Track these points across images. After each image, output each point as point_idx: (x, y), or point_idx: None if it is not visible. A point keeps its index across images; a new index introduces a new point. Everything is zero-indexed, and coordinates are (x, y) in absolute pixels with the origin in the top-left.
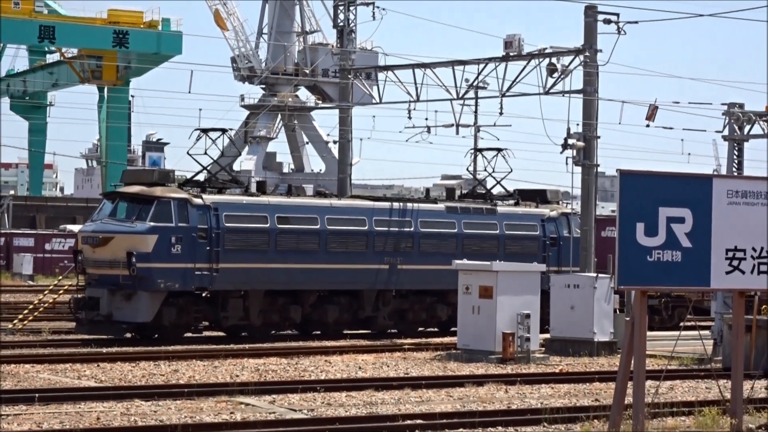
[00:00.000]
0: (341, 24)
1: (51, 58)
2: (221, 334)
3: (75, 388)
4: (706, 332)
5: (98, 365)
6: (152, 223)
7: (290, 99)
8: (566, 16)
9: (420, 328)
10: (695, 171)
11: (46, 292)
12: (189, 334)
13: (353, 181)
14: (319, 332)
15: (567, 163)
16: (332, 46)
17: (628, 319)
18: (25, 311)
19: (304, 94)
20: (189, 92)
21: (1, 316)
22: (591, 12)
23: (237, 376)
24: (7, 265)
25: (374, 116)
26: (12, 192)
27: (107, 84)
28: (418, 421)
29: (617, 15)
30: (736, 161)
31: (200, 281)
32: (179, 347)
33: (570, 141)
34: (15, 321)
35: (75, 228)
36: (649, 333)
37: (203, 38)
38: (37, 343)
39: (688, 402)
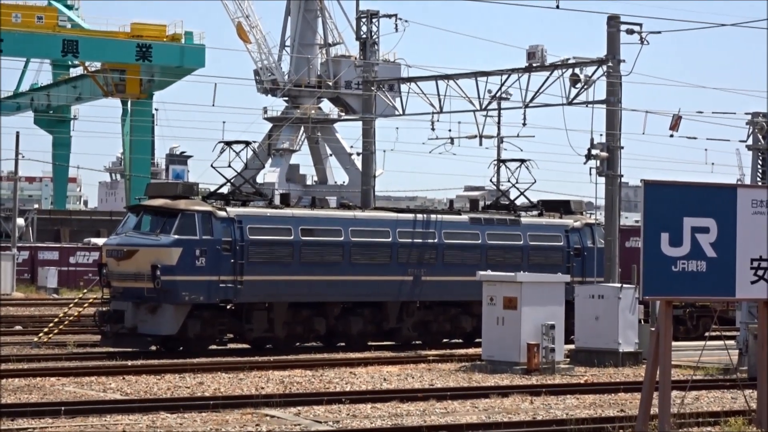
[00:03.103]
0: (364, 36)
1: (74, 71)
2: (246, 346)
3: (101, 400)
4: (732, 342)
5: (124, 378)
6: (176, 236)
7: (313, 111)
8: (589, 26)
9: (444, 340)
10: (719, 181)
11: (71, 305)
12: (214, 347)
13: (377, 192)
14: (343, 344)
15: (591, 174)
16: (355, 58)
17: (653, 329)
18: (50, 324)
19: (327, 106)
20: (212, 105)
21: (26, 330)
22: (614, 22)
23: (262, 388)
24: (32, 279)
25: (397, 128)
26: (36, 206)
27: (131, 97)
28: None
29: (640, 25)
30: (760, 170)
31: (225, 294)
32: (204, 360)
33: (593, 151)
34: (40, 334)
35: (99, 241)
36: (674, 343)
37: (226, 51)
38: (63, 356)
39: (714, 412)
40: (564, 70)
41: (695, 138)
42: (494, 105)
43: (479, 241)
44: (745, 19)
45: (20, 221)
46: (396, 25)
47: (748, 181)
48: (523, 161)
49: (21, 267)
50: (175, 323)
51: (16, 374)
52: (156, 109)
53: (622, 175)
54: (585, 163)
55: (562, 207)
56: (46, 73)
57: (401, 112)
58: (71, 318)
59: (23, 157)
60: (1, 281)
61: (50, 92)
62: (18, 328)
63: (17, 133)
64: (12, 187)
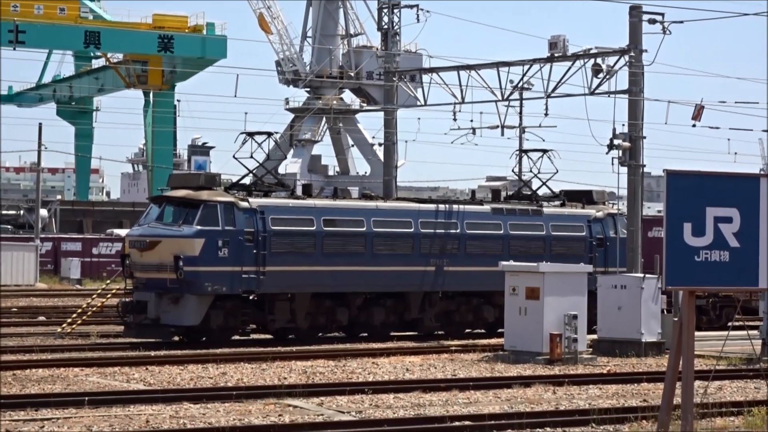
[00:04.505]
0: (385, 26)
1: (97, 63)
2: (268, 336)
3: (124, 391)
4: (755, 332)
5: (147, 368)
6: (199, 227)
7: (335, 102)
8: (611, 16)
9: (467, 330)
10: (742, 170)
11: (94, 296)
12: (236, 337)
13: (398, 183)
14: (365, 334)
15: (613, 164)
16: (376, 49)
17: (675, 319)
18: (74, 315)
19: (348, 96)
20: (234, 96)
21: (50, 320)
22: (636, 12)
23: (285, 378)
24: (55, 270)
25: (419, 118)
26: (59, 197)
27: (153, 88)
28: (466, 423)
29: (662, 15)
30: None
31: (247, 284)
32: (227, 350)
33: (616, 141)
34: (63, 325)
35: (122, 232)
36: (697, 333)
37: (248, 42)
38: (86, 346)
39: (737, 402)
40: (586, 60)
41: (718, 128)
42: (516, 95)
43: (501, 232)
44: None
45: (43, 212)
46: (417, 15)
47: None
48: (545, 151)
49: (44, 258)
50: (197, 314)
51: (40, 365)
52: (178, 100)
53: (644, 165)
54: (607, 153)
55: (585, 197)
56: (69, 64)
57: (423, 103)
58: (94, 309)
59: (46, 148)
60: (7, 271)
61: (72, 84)
62: (41, 318)
63: (40, 124)
64: (35, 178)
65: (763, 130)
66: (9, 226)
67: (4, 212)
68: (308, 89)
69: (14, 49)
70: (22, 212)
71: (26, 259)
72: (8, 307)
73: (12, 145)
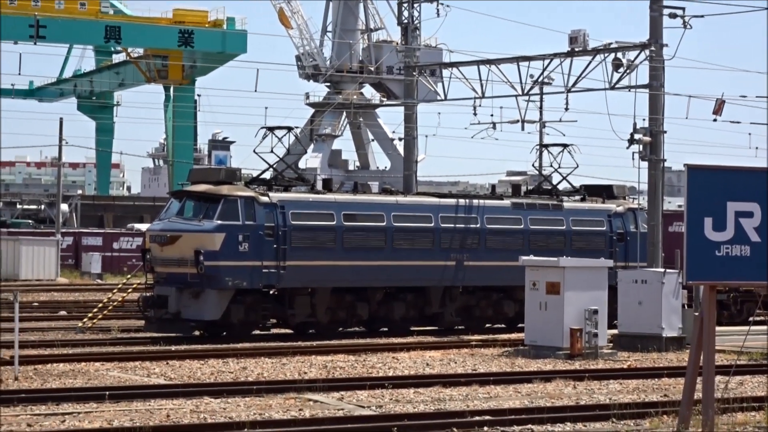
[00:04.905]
0: (405, 21)
1: (117, 58)
2: (289, 331)
3: (145, 385)
4: None
5: (167, 363)
6: (219, 222)
7: (355, 96)
8: (631, 10)
9: (487, 325)
10: (763, 165)
11: (114, 290)
12: (257, 332)
13: (419, 178)
14: (386, 329)
15: (633, 159)
16: (396, 44)
17: (696, 314)
18: (95, 310)
19: (369, 91)
20: (255, 90)
21: (71, 315)
22: (656, 6)
23: (305, 373)
24: (76, 264)
25: (439, 113)
26: (80, 191)
27: (173, 83)
28: (486, 417)
29: (683, 9)
30: None
31: (268, 279)
32: (247, 345)
33: (636, 136)
34: (84, 320)
35: (143, 227)
36: (717, 328)
37: (268, 37)
38: (107, 341)
39: (758, 397)
40: (606, 55)
41: (739, 122)
42: (536, 90)
43: (522, 226)
44: None
45: (64, 207)
46: (437, 9)
47: None
48: (565, 146)
49: (65, 252)
50: (218, 308)
51: (61, 359)
52: (198, 95)
53: (665, 160)
54: (628, 148)
55: (605, 192)
56: (89, 59)
57: (443, 97)
58: (115, 303)
59: (67, 143)
60: (28, 266)
61: (93, 78)
62: (63, 313)
63: (60, 119)
64: (56, 173)
65: None
66: (30, 221)
67: (25, 207)
68: (328, 84)
69: (35, 43)
70: (43, 207)
71: (47, 254)
72: (29, 302)
73: (33, 140)
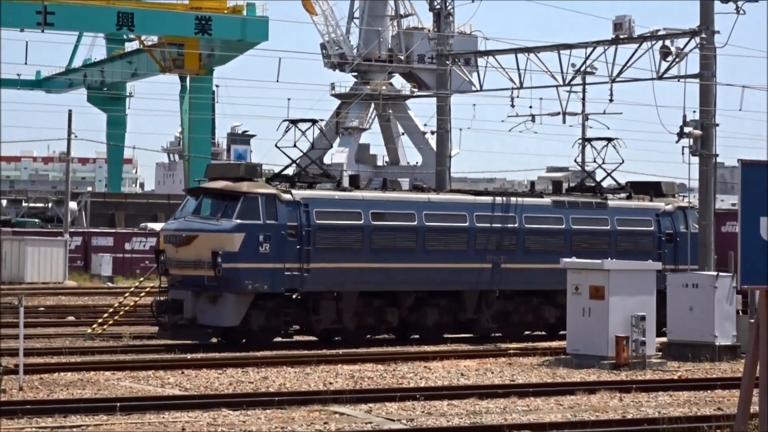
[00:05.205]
0: (438, 6)
1: (130, 46)
2: (313, 338)
3: (158, 396)
4: None
5: (183, 372)
6: (239, 221)
7: (384, 87)
8: None
9: (526, 332)
10: None
11: (126, 294)
12: (279, 339)
13: (452, 174)
14: (417, 336)
15: (683, 153)
16: (428, 31)
17: (752, 321)
18: (105, 315)
19: (398, 81)
20: (277, 81)
21: (79, 321)
22: None
23: (330, 383)
24: (85, 266)
25: (474, 105)
26: (90, 188)
27: (189, 73)
28: None
29: None
30: None
31: (290, 282)
32: (268, 353)
33: (686, 129)
34: (94, 325)
35: (156, 226)
36: None
37: (291, 24)
38: (118, 348)
39: None
40: (653, 42)
41: None
42: (578, 80)
43: (563, 226)
44: None
45: (73, 205)
46: None
47: None
48: (609, 140)
49: (73, 254)
50: (237, 314)
51: (68, 368)
52: (216, 86)
53: (717, 155)
54: (677, 142)
55: (653, 189)
56: (100, 48)
57: (478, 88)
58: (127, 308)
59: (76, 136)
60: (34, 268)
61: (104, 68)
62: (70, 318)
63: (69, 111)
64: (64, 169)
65: None
66: (36, 220)
67: (31, 205)
68: (355, 74)
69: (42, 31)
70: (50, 205)
71: (54, 255)
72: (35, 306)
73: (40, 133)
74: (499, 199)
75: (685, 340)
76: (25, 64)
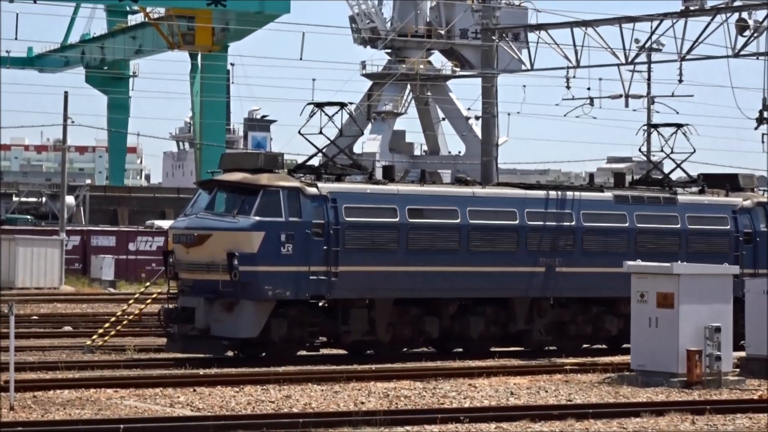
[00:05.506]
0: None
1: (133, 19)
2: (342, 352)
3: (167, 417)
4: None
5: (194, 390)
6: (258, 218)
7: (422, 66)
8: None
9: (584, 345)
10: None
11: (130, 301)
12: (303, 352)
13: (500, 165)
14: (460, 349)
15: (763, 141)
16: (472, 2)
17: None
18: (106, 325)
19: (438, 59)
20: (300, 59)
21: (77, 331)
22: None
23: (362, 403)
24: (84, 269)
25: (524, 86)
26: (89, 181)
27: (201, 50)
28: None
29: None
30: None
31: (316, 288)
32: (291, 368)
33: (766, 114)
34: (94, 337)
35: (164, 224)
36: None
37: None
38: (121, 363)
39: None
40: (728, 15)
41: None
42: (643, 58)
43: (626, 224)
44: None
45: (70, 200)
46: None
47: None
48: (679, 126)
49: (71, 255)
50: (256, 324)
51: (65, 385)
52: (232, 64)
53: None
54: (756, 128)
55: (729, 182)
56: (100, 21)
57: (529, 67)
58: (131, 317)
59: (72, 122)
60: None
61: (105, 44)
62: (67, 329)
63: (65, 93)
64: (59, 158)
65: None
66: (29, 217)
67: (23, 200)
68: (389, 51)
69: (35, 2)
70: (44, 200)
71: (49, 257)
72: (28, 315)
73: (32, 118)
74: (553, 193)
75: (767, 355)
76: (16, 39)
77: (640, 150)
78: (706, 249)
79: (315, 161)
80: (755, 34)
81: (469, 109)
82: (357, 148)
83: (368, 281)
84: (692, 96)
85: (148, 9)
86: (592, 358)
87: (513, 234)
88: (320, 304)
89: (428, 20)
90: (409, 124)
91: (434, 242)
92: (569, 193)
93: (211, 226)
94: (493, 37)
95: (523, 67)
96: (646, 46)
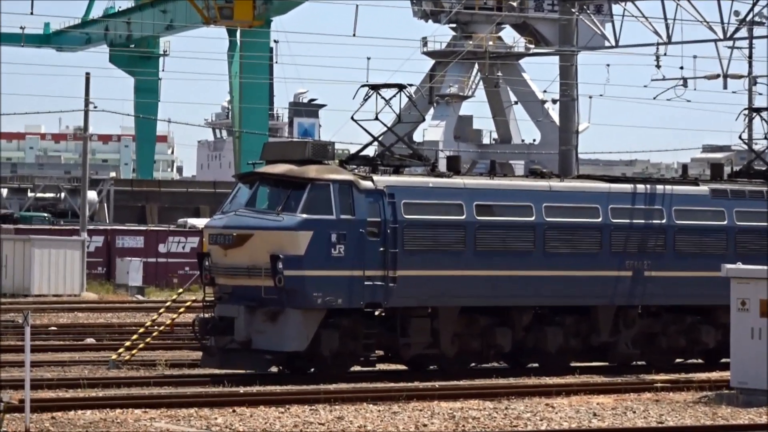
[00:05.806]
0: None
1: None
2: (401, 367)
3: None
4: None
5: (234, 410)
6: (305, 216)
7: (491, 43)
8: None
9: (677, 359)
10: None
11: (161, 310)
12: (357, 368)
13: (580, 155)
14: (536, 365)
15: None
16: None
17: None
18: (134, 337)
19: (509, 35)
20: (353, 35)
21: (101, 344)
22: None
23: (425, 425)
24: (108, 274)
25: (608, 65)
26: (113, 174)
27: (240, 25)
28: None
29: None
30: None
31: (372, 295)
32: (344, 386)
33: None
34: (121, 350)
35: (199, 223)
36: None
37: None
38: (151, 380)
39: None
40: None
41: None
42: (744, 32)
43: (725, 222)
44: None
45: (92, 195)
46: None
47: None
48: None
49: (93, 258)
50: (303, 335)
51: (87, 405)
52: (275, 42)
53: None
54: None
55: None
56: None
57: (613, 44)
58: (161, 328)
59: (95, 107)
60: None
61: (131, 19)
62: (90, 341)
63: (87, 74)
64: (80, 148)
65: None
66: (46, 215)
67: (39, 195)
68: (454, 25)
69: None
70: (63, 195)
71: (69, 260)
72: (45, 326)
73: (50, 103)
74: (641, 187)
75: None
76: (31, 14)
77: (740, 137)
78: None
79: (370, 151)
80: None
81: (545, 91)
82: (417, 136)
83: (431, 287)
84: None
85: None
86: (686, 375)
87: (595, 233)
88: (376, 313)
89: None
90: (477, 108)
91: (505, 243)
92: (659, 187)
93: (252, 225)
94: (573, 10)
95: (607, 44)
96: (747, 19)
